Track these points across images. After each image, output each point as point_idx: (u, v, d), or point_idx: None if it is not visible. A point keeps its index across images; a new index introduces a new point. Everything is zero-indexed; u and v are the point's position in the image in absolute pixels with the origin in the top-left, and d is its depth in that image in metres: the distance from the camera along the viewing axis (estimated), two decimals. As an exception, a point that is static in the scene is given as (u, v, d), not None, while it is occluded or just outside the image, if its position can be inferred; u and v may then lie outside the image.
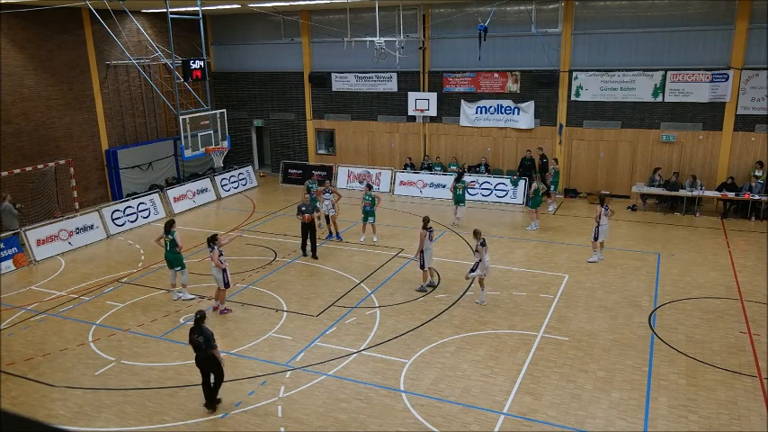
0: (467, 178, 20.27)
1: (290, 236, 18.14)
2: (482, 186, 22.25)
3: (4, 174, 18.36)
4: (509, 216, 20.60)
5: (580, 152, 22.21)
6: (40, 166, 19.68)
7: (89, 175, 22.43)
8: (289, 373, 10.65)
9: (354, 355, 11.22)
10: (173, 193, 22.06)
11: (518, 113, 22.61)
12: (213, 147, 18.67)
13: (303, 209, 16.14)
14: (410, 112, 24.18)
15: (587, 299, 13.47)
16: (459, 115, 23.54)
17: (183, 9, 21.07)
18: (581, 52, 21.33)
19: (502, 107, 22.80)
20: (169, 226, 13.76)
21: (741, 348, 11.17)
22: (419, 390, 10.02)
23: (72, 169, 20.35)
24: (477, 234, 13.15)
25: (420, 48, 23.39)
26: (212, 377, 9.59)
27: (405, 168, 24.23)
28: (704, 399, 9.64)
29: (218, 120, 18.94)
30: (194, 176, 24.73)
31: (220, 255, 12.79)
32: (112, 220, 19.23)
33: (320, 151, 26.85)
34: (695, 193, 19.66)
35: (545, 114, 22.36)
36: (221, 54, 27.49)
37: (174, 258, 13.69)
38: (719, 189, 19.71)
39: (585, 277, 14.71)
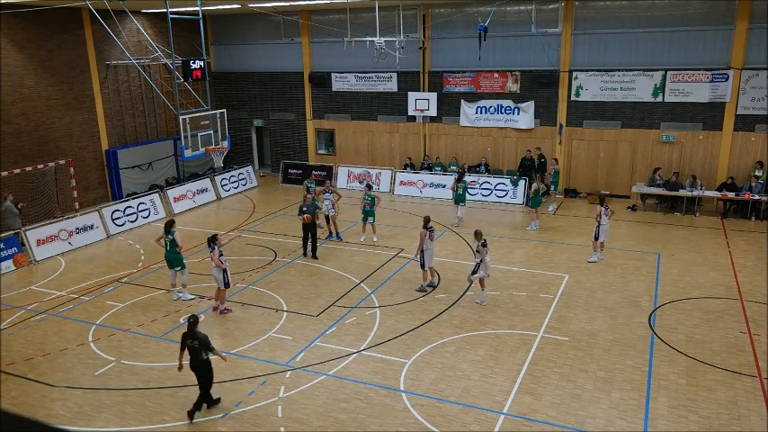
0: (467, 178, 20.27)
1: (289, 236, 18.15)
2: (482, 186, 22.25)
3: (4, 174, 18.34)
4: (509, 216, 20.60)
5: (580, 152, 22.21)
6: (40, 166, 19.67)
7: (89, 175, 22.43)
8: (289, 373, 10.65)
9: (354, 355, 11.22)
10: (173, 193, 22.07)
11: (518, 113, 22.61)
12: (213, 147, 18.69)
13: (304, 209, 16.16)
14: (410, 112, 24.18)
15: (587, 299, 13.47)
16: (459, 115, 23.54)
17: (183, 9, 21.07)
18: (581, 52, 21.33)
19: (502, 107, 22.80)
20: (169, 226, 13.76)
21: (741, 348, 11.17)
22: (419, 390, 10.02)
23: (72, 169, 20.33)
24: (478, 235, 13.15)
25: (420, 48, 23.39)
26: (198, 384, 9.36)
27: (405, 168, 24.23)
28: (704, 399, 9.64)
29: (218, 120, 18.96)
30: (194, 176, 24.73)
31: (220, 255, 12.80)
32: (112, 220, 19.23)
33: (320, 151, 26.85)
34: (695, 193, 19.66)
35: (545, 114, 22.35)
36: (221, 54, 27.49)
37: (174, 258, 13.70)
38: (719, 189, 19.71)
39: (585, 277, 14.71)
